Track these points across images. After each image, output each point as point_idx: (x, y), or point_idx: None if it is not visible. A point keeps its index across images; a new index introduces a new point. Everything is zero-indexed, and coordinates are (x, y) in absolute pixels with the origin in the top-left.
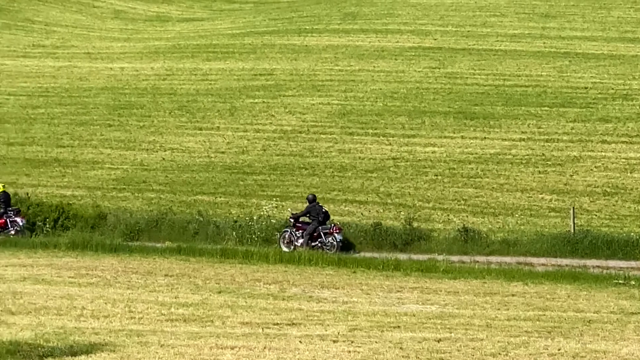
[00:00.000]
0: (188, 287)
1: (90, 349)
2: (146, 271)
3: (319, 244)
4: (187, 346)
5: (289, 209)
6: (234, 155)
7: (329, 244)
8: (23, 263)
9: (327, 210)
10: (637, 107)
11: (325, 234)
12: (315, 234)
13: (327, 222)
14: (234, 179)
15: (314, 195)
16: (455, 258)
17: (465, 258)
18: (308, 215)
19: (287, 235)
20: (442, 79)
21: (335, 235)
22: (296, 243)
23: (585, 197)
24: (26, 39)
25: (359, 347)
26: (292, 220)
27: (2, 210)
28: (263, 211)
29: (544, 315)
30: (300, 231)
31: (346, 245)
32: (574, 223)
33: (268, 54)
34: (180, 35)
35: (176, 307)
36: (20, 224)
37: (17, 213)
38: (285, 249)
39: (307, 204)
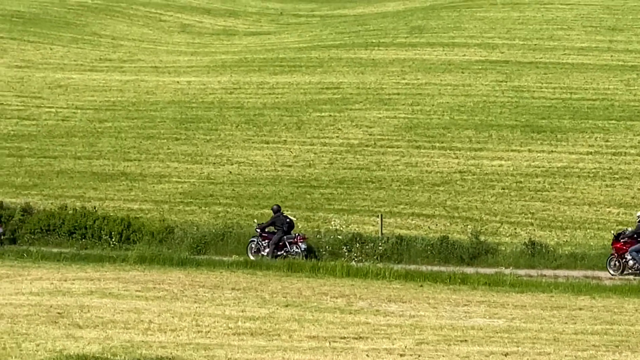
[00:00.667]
0: (255, 301)
1: None
2: (213, 285)
3: (285, 253)
4: None
5: (255, 220)
6: (300, 168)
7: (294, 252)
8: (90, 277)
9: (291, 219)
10: None
11: (290, 243)
12: (280, 244)
13: (292, 232)
14: (301, 193)
15: (279, 206)
16: (522, 272)
17: (532, 272)
18: (274, 225)
19: (253, 245)
20: (509, 93)
21: (300, 244)
22: (263, 252)
23: None
24: (93, 53)
25: None
26: (258, 231)
27: None
28: (330, 225)
29: (612, 329)
30: (267, 241)
31: (311, 253)
32: None
33: (335, 67)
34: (247, 49)
35: (243, 320)
36: None
37: None
38: (252, 257)
39: (273, 214)
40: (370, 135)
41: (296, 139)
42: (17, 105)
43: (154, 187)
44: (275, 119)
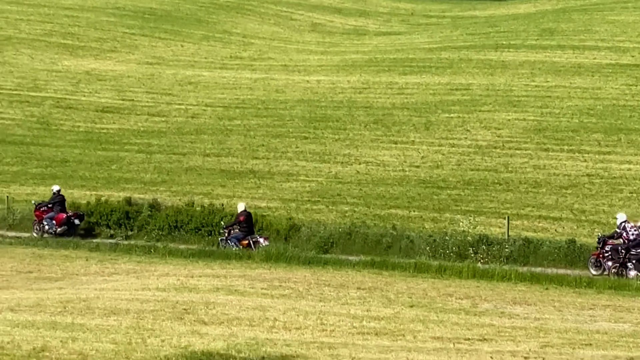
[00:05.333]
0: (380, 301)
1: None
2: (339, 284)
3: (250, 248)
4: (378, 359)
5: (222, 222)
6: (428, 169)
7: (258, 250)
8: (217, 274)
9: (256, 220)
10: None
11: (254, 242)
12: (245, 242)
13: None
14: (428, 193)
15: (244, 205)
16: None
17: None
18: (238, 224)
19: (222, 244)
20: (639, 97)
21: (261, 242)
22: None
23: None
24: (224, 51)
25: None
26: (225, 230)
27: None
28: (457, 226)
29: None
30: (234, 239)
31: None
32: None
33: (464, 68)
34: (377, 48)
35: (368, 320)
36: None
37: None
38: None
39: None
40: (498, 137)
41: (424, 139)
42: (148, 101)
43: (281, 185)
44: (403, 119)
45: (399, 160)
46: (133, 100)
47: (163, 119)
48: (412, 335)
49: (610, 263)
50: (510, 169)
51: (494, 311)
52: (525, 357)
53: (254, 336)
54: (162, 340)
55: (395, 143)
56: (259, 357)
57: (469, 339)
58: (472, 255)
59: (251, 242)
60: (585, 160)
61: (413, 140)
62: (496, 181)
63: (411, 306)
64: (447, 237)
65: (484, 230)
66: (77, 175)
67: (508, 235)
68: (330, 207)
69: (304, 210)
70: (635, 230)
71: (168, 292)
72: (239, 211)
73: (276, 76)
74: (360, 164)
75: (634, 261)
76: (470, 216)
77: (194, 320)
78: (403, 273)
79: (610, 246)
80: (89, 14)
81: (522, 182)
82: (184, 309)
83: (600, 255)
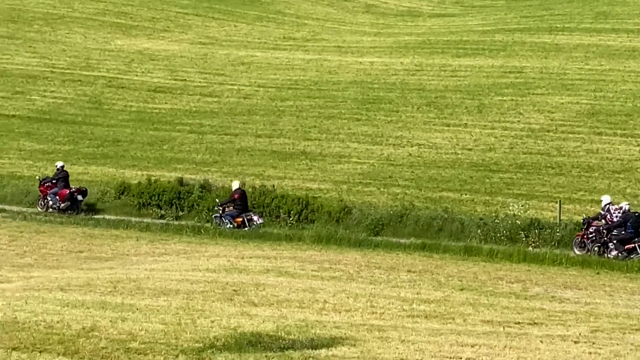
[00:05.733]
0: (430, 284)
1: (331, 342)
2: (389, 266)
3: (244, 225)
4: (428, 342)
5: (217, 200)
6: (480, 152)
7: (252, 227)
8: (267, 255)
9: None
10: None
11: (249, 219)
12: (239, 219)
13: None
14: (480, 177)
15: (239, 183)
16: None
17: None
18: (233, 202)
19: (217, 221)
20: None
21: (255, 220)
22: (225, 227)
23: None
24: (277, 32)
25: (600, 348)
26: (220, 207)
27: None
28: (509, 210)
29: None
30: (228, 217)
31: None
32: None
33: (518, 51)
34: (431, 30)
35: (418, 303)
36: None
37: None
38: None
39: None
40: (551, 120)
41: (477, 122)
42: (200, 82)
43: (333, 167)
44: (456, 102)
45: (451, 142)
46: (185, 80)
47: (215, 100)
48: (462, 318)
49: (593, 244)
50: (562, 152)
51: (545, 295)
52: (575, 342)
53: (303, 318)
54: (212, 321)
55: (448, 126)
56: (308, 339)
57: (519, 323)
58: (523, 239)
59: (245, 219)
60: (638, 145)
61: (465, 123)
62: (548, 165)
63: (461, 289)
64: (498, 221)
65: (535, 214)
66: (129, 155)
67: (560, 220)
68: (382, 189)
69: (355, 193)
70: (618, 212)
71: (218, 273)
72: (233, 189)
73: (329, 57)
74: (412, 146)
75: (614, 241)
76: (522, 200)
77: (244, 302)
78: (454, 256)
79: (594, 227)
80: None
81: (575, 166)
82: (234, 290)
83: (585, 236)
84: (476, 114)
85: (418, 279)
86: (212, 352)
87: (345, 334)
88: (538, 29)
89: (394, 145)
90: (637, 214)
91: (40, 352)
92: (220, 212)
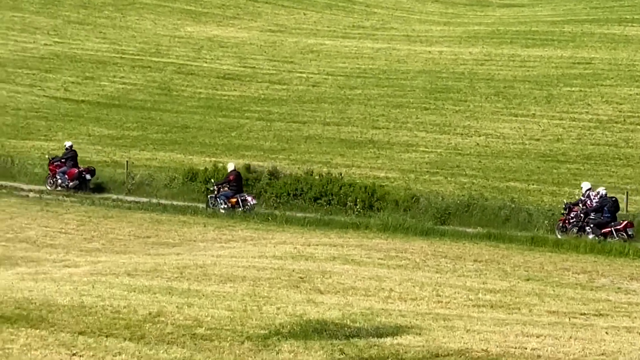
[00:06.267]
0: (496, 274)
1: (396, 331)
2: (455, 256)
3: (239, 206)
4: (493, 332)
5: (212, 180)
6: (548, 143)
7: (246, 208)
8: (333, 242)
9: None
10: None
11: (243, 200)
12: (234, 200)
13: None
14: (547, 167)
15: (234, 165)
16: None
17: None
18: (228, 183)
19: (212, 200)
20: None
21: (249, 200)
22: (220, 207)
23: None
24: (346, 20)
25: None
26: (216, 188)
27: None
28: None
29: None
30: (223, 197)
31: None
32: None
33: (587, 42)
34: (500, 20)
35: (483, 292)
36: None
37: None
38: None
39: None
40: (620, 112)
41: (545, 112)
42: (269, 69)
43: (400, 155)
44: (525, 92)
45: (519, 133)
46: (254, 67)
47: (284, 87)
48: (528, 308)
49: (571, 227)
50: (630, 144)
51: (611, 287)
52: None
53: (369, 306)
54: (278, 308)
55: (516, 116)
56: (373, 327)
57: (584, 314)
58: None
59: (239, 200)
60: None
61: (533, 114)
62: (616, 156)
63: (527, 280)
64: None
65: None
66: (197, 142)
67: (627, 211)
68: (449, 178)
69: (423, 181)
70: (597, 198)
71: (285, 260)
72: (229, 170)
73: (398, 46)
74: (480, 136)
75: (591, 225)
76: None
77: (310, 289)
78: (520, 246)
79: (574, 212)
80: None
81: None
82: (300, 278)
83: (566, 221)
84: (544, 105)
85: (484, 269)
86: (278, 339)
87: (410, 322)
88: (607, 20)
89: (462, 134)
90: (613, 199)
91: (106, 336)
92: (216, 192)
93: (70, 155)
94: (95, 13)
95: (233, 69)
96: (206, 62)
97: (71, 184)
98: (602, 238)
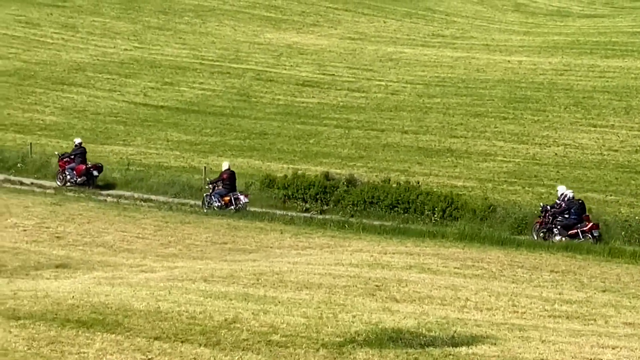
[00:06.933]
0: (573, 285)
1: (472, 340)
2: (532, 266)
3: (231, 204)
4: (568, 343)
5: (207, 179)
6: (627, 154)
7: (238, 206)
8: (410, 251)
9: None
10: None
11: (235, 198)
12: (227, 198)
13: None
14: (626, 178)
15: (228, 164)
16: None
17: None
18: (222, 182)
19: (206, 199)
20: None
21: (242, 199)
22: (214, 204)
23: None
24: (426, 28)
25: None
26: (210, 186)
27: None
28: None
29: None
30: (217, 195)
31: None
32: None
33: None
34: (580, 31)
35: (560, 303)
36: None
37: None
38: (205, 210)
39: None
40: None
41: (624, 123)
42: (348, 77)
43: (478, 165)
44: (604, 103)
45: (598, 143)
46: (333, 75)
47: (363, 95)
48: (604, 320)
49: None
50: None
51: None
52: None
53: (445, 315)
54: (353, 316)
55: (595, 126)
56: (449, 336)
57: None
58: None
59: (232, 198)
60: None
61: (612, 124)
62: None
63: (604, 291)
64: None
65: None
66: (275, 148)
67: None
68: (527, 188)
69: (500, 191)
70: (564, 200)
71: (361, 268)
72: (223, 169)
73: (477, 55)
74: (558, 146)
75: (559, 227)
76: None
77: (386, 297)
78: (597, 257)
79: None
80: None
81: None
82: (376, 286)
83: (542, 223)
84: (623, 115)
85: (560, 279)
86: (353, 347)
87: (486, 332)
88: None
89: (540, 144)
90: (580, 201)
91: (182, 342)
92: (210, 190)
93: (79, 152)
94: (175, 19)
95: (312, 76)
96: (285, 69)
97: (79, 179)
98: (568, 240)
